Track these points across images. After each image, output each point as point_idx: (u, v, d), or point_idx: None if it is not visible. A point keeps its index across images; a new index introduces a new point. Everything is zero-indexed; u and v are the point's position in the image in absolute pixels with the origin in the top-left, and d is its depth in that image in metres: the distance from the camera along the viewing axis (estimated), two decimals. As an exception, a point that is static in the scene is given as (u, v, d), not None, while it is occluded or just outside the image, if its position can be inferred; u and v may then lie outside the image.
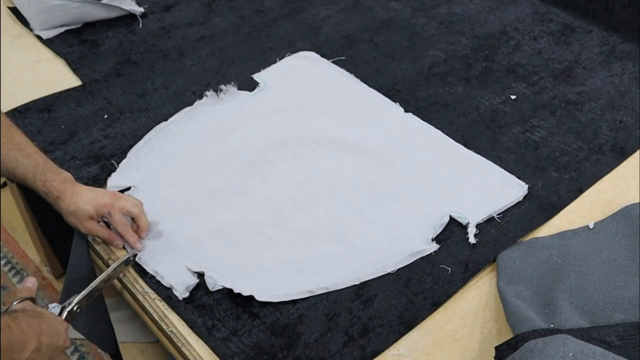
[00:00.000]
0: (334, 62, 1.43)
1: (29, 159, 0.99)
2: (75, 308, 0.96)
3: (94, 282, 0.99)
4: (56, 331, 0.85)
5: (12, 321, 0.79)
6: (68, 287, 1.12)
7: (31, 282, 0.91)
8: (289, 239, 1.07)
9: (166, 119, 1.29)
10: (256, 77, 1.40)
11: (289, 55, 1.45)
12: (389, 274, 1.01)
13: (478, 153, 1.20)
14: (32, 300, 0.89)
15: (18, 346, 0.77)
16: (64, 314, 0.94)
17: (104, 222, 1.04)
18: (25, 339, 0.78)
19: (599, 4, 1.51)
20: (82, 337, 1.71)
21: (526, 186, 1.13)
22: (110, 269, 1.00)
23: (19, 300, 0.88)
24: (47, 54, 1.48)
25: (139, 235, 1.03)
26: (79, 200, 1.00)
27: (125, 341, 1.49)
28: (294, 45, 1.48)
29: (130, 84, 1.39)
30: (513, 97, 1.33)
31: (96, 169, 1.20)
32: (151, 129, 1.26)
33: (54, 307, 0.94)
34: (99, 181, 1.17)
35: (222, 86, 1.34)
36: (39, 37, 1.51)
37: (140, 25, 1.57)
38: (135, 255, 1.03)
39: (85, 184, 1.16)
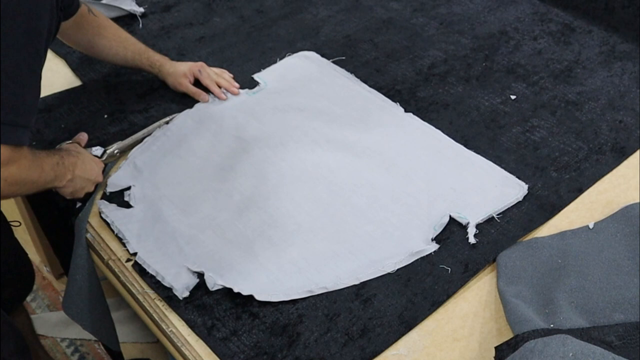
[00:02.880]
0: (334, 62, 1.43)
1: (134, 46, 1.32)
2: (115, 151, 1.18)
3: (137, 134, 1.23)
4: (90, 168, 1.10)
5: (60, 158, 1.03)
6: (71, 287, 1.13)
7: (83, 135, 1.19)
8: (289, 239, 1.07)
9: (166, 119, 1.29)
10: (256, 77, 1.40)
11: (289, 55, 1.45)
12: (388, 273, 1.01)
13: (478, 153, 1.20)
14: (79, 144, 1.16)
15: (60, 176, 1.03)
16: (105, 156, 1.16)
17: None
18: (64, 172, 1.03)
19: (599, 4, 1.51)
20: (82, 337, 1.71)
21: (526, 186, 1.13)
22: (153, 126, 1.24)
23: (69, 142, 1.15)
24: (47, 54, 1.48)
25: (231, 90, 1.34)
26: (176, 65, 1.35)
27: (126, 341, 1.49)
28: (294, 45, 1.48)
29: (130, 84, 1.39)
30: (513, 97, 1.33)
31: (96, 168, 1.20)
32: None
33: (97, 150, 1.17)
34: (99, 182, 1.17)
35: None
36: (39, 37, 1.51)
37: (140, 25, 1.57)
38: (104, 153, 1.17)
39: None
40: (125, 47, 1.32)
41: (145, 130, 1.24)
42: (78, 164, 1.07)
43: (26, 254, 1.44)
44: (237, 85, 1.35)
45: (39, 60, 0.95)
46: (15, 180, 0.92)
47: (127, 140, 1.21)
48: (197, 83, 1.34)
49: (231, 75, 1.38)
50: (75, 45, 1.32)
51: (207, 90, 1.33)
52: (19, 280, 1.43)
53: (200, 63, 1.35)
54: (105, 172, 1.16)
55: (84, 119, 1.30)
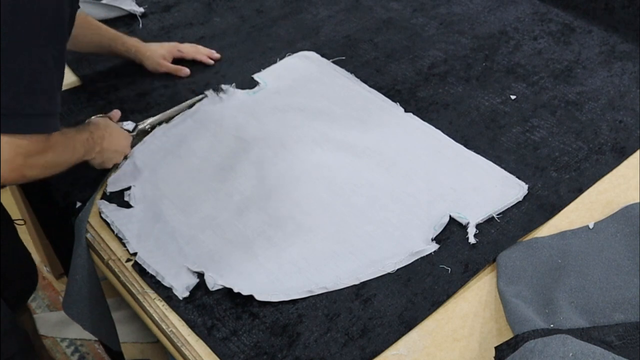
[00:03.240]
0: (334, 62, 1.43)
1: (108, 33, 1.34)
2: (147, 127, 1.24)
3: (168, 111, 1.27)
4: (117, 141, 1.16)
5: (89, 133, 1.08)
6: (71, 287, 1.13)
7: (117, 112, 1.24)
8: (288, 239, 1.07)
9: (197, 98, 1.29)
10: (256, 77, 1.40)
11: (289, 55, 1.45)
12: (388, 273, 1.01)
13: (478, 153, 1.20)
14: (110, 119, 1.21)
15: (89, 150, 1.08)
16: (135, 131, 1.22)
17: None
18: (93, 145, 1.09)
19: (599, 4, 1.51)
20: (82, 337, 1.71)
21: (526, 186, 1.13)
22: (183, 104, 1.30)
23: (100, 115, 1.20)
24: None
25: (214, 56, 1.43)
26: (152, 47, 1.37)
27: (126, 341, 1.49)
28: (294, 45, 1.48)
29: (130, 84, 1.39)
30: (513, 97, 1.33)
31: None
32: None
33: (128, 124, 1.22)
34: (98, 180, 1.17)
35: (222, 86, 1.35)
36: (39, 37, 1.51)
37: (140, 25, 1.56)
38: (135, 128, 1.23)
39: (85, 184, 1.17)
40: (100, 34, 1.33)
41: (176, 108, 1.29)
42: (106, 137, 1.12)
43: (29, 253, 1.44)
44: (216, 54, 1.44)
45: (64, 47, 0.96)
46: (52, 164, 0.97)
47: (159, 116, 1.26)
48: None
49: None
50: None
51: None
52: (22, 279, 1.43)
53: (174, 43, 1.40)
54: (133, 146, 1.22)
55: (84, 119, 1.30)
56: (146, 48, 1.37)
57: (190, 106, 1.30)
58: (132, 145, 1.21)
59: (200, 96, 1.33)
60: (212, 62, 1.41)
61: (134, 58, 1.37)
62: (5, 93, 0.85)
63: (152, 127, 1.25)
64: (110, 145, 1.13)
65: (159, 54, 1.37)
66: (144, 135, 1.23)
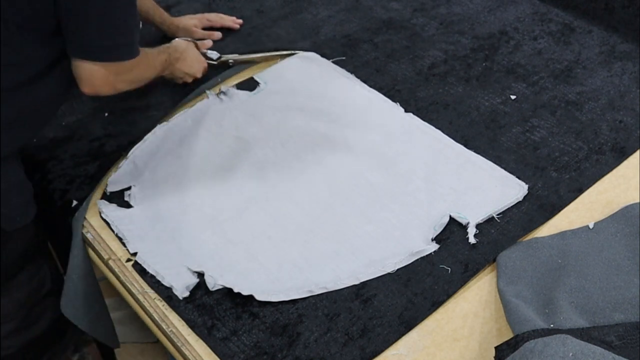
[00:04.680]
0: (334, 62, 1.43)
1: (149, 2, 1.44)
2: (230, 61, 1.40)
3: (252, 55, 1.42)
4: (191, 64, 1.32)
5: (167, 55, 1.25)
6: (68, 287, 1.13)
7: (209, 41, 1.45)
8: (289, 239, 1.07)
9: (166, 119, 1.29)
10: (256, 77, 1.40)
11: (289, 55, 1.45)
12: (389, 273, 1.01)
13: (478, 153, 1.20)
14: (196, 44, 1.38)
15: (166, 69, 1.25)
16: (217, 61, 1.39)
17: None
18: (169, 65, 1.26)
19: (599, 4, 1.51)
20: (82, 337, 1.71)
21: (526, 186, 1.13)
22: (261, 54, 1.44)
23: (184, 38, 1.36)
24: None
25: (238, 21, 1.55)
26: (184, 19, 1.50)
27: (125, 341, 1.49)
28: (294, 45, 1.48)
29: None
30: (513, 97, 1.33)
31: (95, 167, 1.20)
32: (151, 128, 1.26)
33: (212, 53, 1.40)
34: (95, 179, 1.17)
35: (222, 87, 1.35)
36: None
37: (141, 25, 1.56)
38: (219, 58, 1.41)
39: (82, 182, 1.17)
40: (140, 1, 1.42)
41: (258, 55, 1.43)
42: (180, 59, 1.29)
43: None
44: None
45: None
46: (137, 79, 1.15)
47: (244, 56, 1.41)
48: None
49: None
50: None
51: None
52: None
53: (201, 15, 1.52)
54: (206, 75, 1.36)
55: (84, 117, 1.30)
56: (179, 20, 1.49)
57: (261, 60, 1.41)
58: (209, 75, 1.36)
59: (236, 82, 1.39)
60: (237, 26, 1.52)
61: (167, 29, 1.47)
62: (97, 29, 1.02)
63: (234, 63, 1.40)
64: (183, 67, 1.29)
65: (191, 23, 1.48)
66: (225, 68, 1.38)
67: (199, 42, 1.40)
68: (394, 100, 1.32)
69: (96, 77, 1.05)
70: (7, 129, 1.03)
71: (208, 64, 1.37)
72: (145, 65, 1.17)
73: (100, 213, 1.12)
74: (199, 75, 1.34)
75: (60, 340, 1.31)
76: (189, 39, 1.37)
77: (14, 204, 1.08)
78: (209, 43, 1.44)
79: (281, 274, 1.01)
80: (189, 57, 1.31)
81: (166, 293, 0.99)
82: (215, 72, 1.38)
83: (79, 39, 1.03)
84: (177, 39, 1.34)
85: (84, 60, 1.04)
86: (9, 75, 1.01)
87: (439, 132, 1.25)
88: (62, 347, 1.33)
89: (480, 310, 0.97)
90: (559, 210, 1.09)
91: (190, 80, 1.33)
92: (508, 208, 1.10)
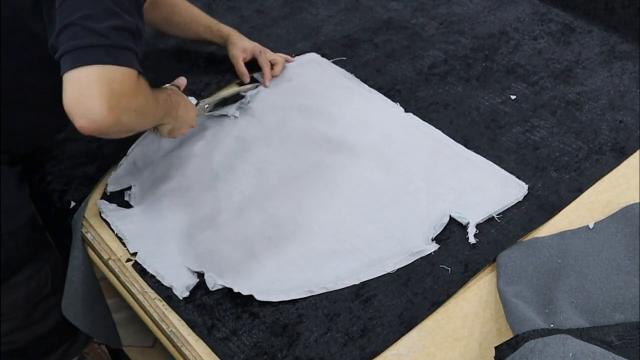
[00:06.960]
0: (334, 62, 1.43)
1: (206, 21, 1.40)
2: (205, 106, 1.25)
3: (224, 92, 1.33)
4: (188, 111, 1.16)
5: (167, 95, 1.09)
6: (68, 288, 1.13)
7: (182, 80, 1.23)
8: (288, 239, 1.06)
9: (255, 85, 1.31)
10: (256, 77, 1.40)
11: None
12: (389, 273, 1.01)
13: (478, 153, 1.20)
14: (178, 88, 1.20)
15: (168, 113, 1.09)
16: (197, 107, 1.21)
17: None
18: (171, 109, 1.10)
19: (599, 4, 1.51)
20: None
21: (526, 186, 1.13)
22: (235, 89, 1.33)
23: (171, 84, 1.19)
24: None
25: (273, 74, 1.40)
26: (242, 39, 1.41)
27: (125, 344, 1.49)
28: (294, 45, 1.48)
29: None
30: (513, 97, 1.33)
31: (93, 168, 1.20)
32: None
33: (190, 99, 1.22)
34: (93, 180, 1.17)
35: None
36: (39, 37, 1.51)
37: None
38: (257, 86, 1.35)
39: (81, 183, 1.17)
40: (198, 22, 1.39)
41: (233, 90, 1.33)
42: (181, 104, 1.14)
43: None
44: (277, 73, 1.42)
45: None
46: (142, 110, 0.96)
47: (214, 97, 1.29)
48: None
49: (289, 60, 1.45)
50: (150, 23, 1.34)
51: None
52: None
53: (261, 46, 1.41)
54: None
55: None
56: (237, 37, 1.41)
57: (237, 94, 1.32)
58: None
59: (253, 85, 1.36)
60: (267, 84, 1.38)
61: (224, 42, 1.40)
62: (95, 26, 0.89)
63: (209, 107, 1.26)
64: (185, 114, 1.14)
65: (241, 46, 1.40)
66: (202, 113, 1.25)
67: (175, 82, 1.23)
68: (394, 100, 1.32)
69: (91, 97, 0.87)
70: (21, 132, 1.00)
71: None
72: (149, 93, 0.99)
73: (100, 213, 1.12)
74: (194, 124, 1.19)
75: (72, 338, 1.28)
76: (171, 84, 1.20)
77: (4, 205, 1.07)
78: (183, 81, 1.23)
79: (281, 274, 1.01)
80: (187, 103, 1.17)
81: (166, 293, 0.99)
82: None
83: (67, 31, 0.88)
84: (166, 85, 1.18)
85: (74, 69, 0.87)
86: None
87: (439, 132, 1.25)
88: (78, 345, 1.30)
89: (480, 310, 0.97)
90: (559, 210, 1.09)
91: (186, 132, 1.18)
92: (508, 208, 1.10)
